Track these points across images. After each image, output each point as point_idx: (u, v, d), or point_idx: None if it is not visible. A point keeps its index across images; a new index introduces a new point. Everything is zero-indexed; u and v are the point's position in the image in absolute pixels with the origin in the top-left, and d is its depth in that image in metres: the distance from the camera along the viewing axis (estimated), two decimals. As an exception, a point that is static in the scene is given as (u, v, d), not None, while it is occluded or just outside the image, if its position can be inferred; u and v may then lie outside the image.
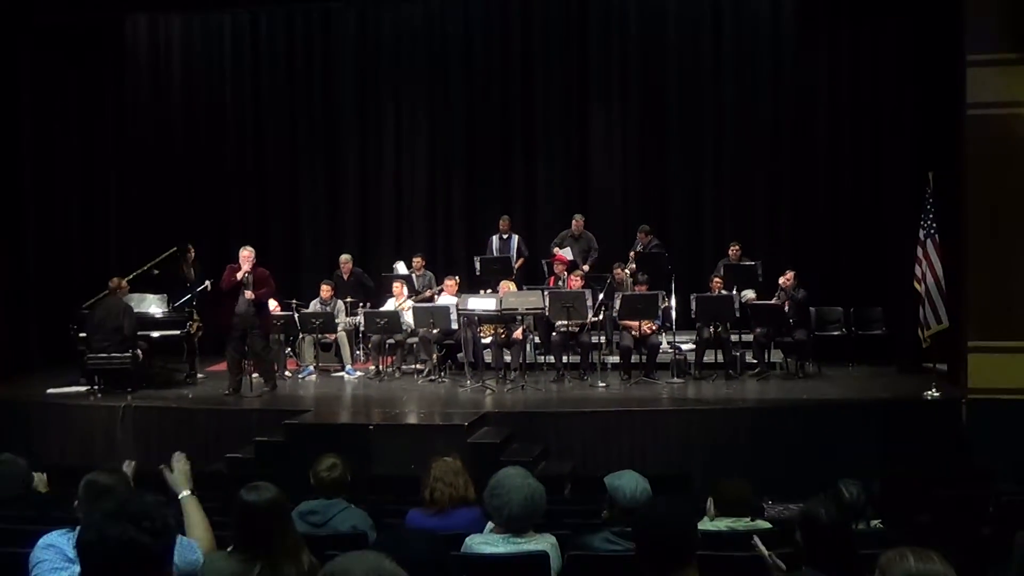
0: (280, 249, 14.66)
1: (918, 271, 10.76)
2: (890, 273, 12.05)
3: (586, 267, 12.83)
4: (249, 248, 10.85)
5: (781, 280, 11.77)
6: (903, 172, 12.05)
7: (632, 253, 13.02)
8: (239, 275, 10.63)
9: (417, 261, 13.34)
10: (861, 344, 12.41)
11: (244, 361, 11.00)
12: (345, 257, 13.47)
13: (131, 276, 12.04)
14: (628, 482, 4.51)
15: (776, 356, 12.04)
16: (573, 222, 13.34)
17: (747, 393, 10.86)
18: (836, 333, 12.60)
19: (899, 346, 11.80)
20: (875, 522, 5.22)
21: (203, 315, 12.02)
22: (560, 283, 12.11)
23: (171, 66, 15.06)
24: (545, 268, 13.08)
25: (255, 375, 11.16)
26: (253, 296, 10.70)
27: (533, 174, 14.78)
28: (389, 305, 12.41)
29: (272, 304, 12.54)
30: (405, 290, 12.55)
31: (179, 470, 4.16)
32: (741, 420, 9.75)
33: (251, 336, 10.78)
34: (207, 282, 12.10)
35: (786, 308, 11.51)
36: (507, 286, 11.99)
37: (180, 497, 4.06)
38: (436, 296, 12.67)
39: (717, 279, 11.99)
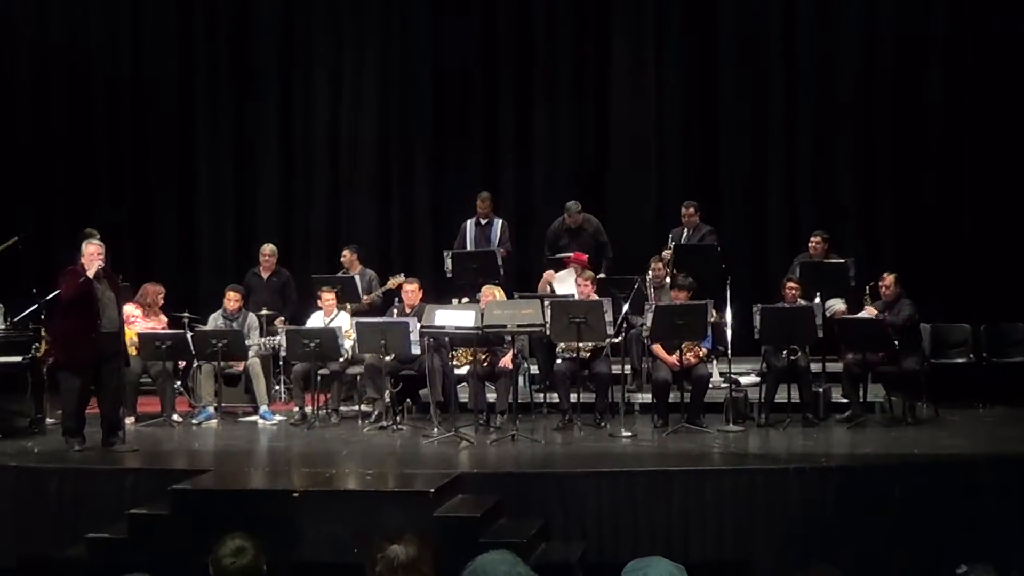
0: (169, 245, 14.66)
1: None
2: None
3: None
4: (97, 242, 10.72)
5: (882, 287, 11.76)
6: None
7: (669, 245, 12.99)
8: (91, 271, 10.49)
9: (347, 255, 13.42)
10: (995, 376, 12.45)
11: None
12: (269, 248, 13.58)
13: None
14: (654, 572, 4.40)
15: (875, 394, 12.01)
16: (566, 213, 13.29)
17: (834, 446, 10.84)
18: (960, 361, 12.62)
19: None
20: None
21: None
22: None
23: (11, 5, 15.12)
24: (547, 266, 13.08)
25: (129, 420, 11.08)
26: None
27: (528, 138, 14.86)
28: (315, 322, 12.36)
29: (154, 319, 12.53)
30: (337, 309, 12.52)
31: None
32: (825, 484, 9.64)
33: (109, 364, 10.66)
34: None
35: (889, 325, 11.49)
36: (491, 293, 11.94)
37: None
38: (376, 299, 12.70)
39: (792, 284, 11.93)
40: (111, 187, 15.15)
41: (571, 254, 12.94)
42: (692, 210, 13.25)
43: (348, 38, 15.25)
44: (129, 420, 11.69)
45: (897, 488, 9.50)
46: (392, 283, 13.09)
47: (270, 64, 15.28)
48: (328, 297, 12.45)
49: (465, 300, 12.28)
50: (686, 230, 13.24)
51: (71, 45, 15.19)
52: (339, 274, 13.30)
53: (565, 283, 12.50)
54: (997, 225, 13.02)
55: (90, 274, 10.44)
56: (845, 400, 11.68)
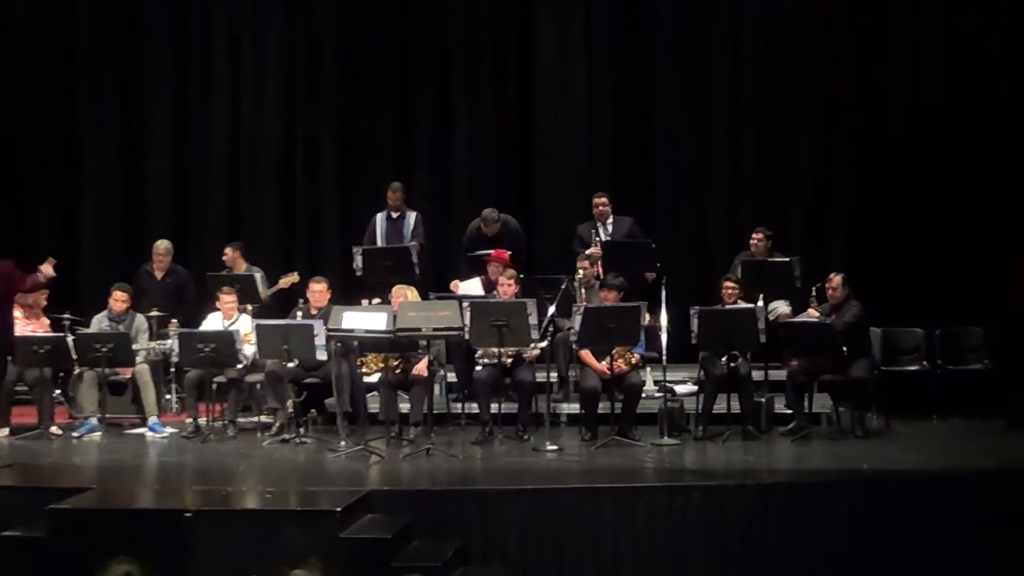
0: (48, 240, 14.51)
1: (1040, 277, 10.87)
2: (997, 280, 12.16)
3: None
4: None
5: (828, 288, 11.83)
6: (1021, 133, 12.21)
7: (595, 241, 13.02)
8: None
9: (229, 253, 13.43)
10: (951, 385, 12.57)
11: None
12: (164, 245, 13.55)
13: None
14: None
15: (821, 404, 12.11)
16: (482, 222, 13.28)
17: (777, 460, 10.92)
18: (913, 368, 12.74)
19: (1010, 388, 11.93)
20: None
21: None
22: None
23: None
24: (466, 266, 13.12)
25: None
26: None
27: (447, 123, 14.89)
28: (211, 324, 12.29)
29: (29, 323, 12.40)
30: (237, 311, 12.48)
31: None
32: (769, 501, 9.70)
33: None
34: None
35: (834, 327, 11.56)
36: (404, 293, 11.92)
37: None
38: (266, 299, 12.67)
39: (730, 283, 11.99)
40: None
41: (491, 251, 12.89)
42: (605, 200, 13.24)
43: (248, 18, 15.15)
44: (2, 432, 11.56)
45: (845, 506, 9.58)
46: (283, 283, 13.05)
47: (164, 49, 15.15)
48: (228, 299, 12.34)
49: (376, 301, 12.24)
50: (600, 224, 13.22)
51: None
52: (223, 273, 13.21)
53: (469, 291, 12.48)
54: (956, 228, 13.13)
55: None
56: (789, 411, 11.73)
